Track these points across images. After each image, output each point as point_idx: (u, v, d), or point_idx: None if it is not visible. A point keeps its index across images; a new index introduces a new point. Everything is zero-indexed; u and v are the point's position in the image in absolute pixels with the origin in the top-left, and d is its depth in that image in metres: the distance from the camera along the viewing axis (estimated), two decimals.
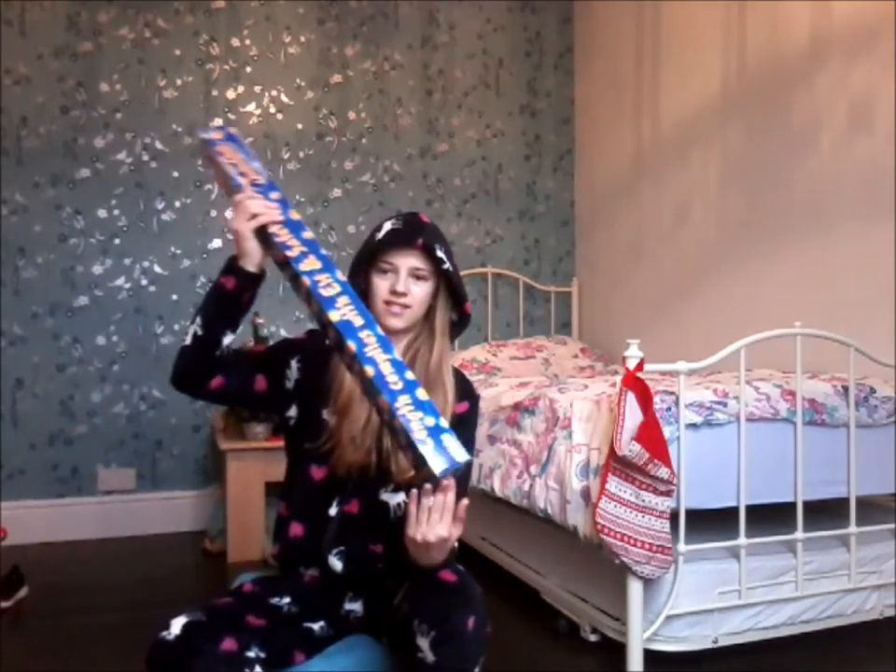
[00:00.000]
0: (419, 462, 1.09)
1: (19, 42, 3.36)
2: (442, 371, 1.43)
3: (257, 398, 1.42)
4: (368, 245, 1.44)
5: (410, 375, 1.15)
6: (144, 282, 3.52)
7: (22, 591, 2.62)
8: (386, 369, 1.14)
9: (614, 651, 2.05)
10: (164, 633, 1.19)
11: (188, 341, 1.32)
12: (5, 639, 2.29)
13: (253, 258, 1.28)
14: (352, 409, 1.37)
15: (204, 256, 3.61)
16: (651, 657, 1.99)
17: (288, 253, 1.22)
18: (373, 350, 1.15)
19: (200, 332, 1.31)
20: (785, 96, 2.89)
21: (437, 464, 1.08)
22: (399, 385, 1.13)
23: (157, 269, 3.54)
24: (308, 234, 1.26)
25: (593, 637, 2.20)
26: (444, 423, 1.12)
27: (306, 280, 1.19)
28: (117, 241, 3.49)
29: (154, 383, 3.52)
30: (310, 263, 1.21)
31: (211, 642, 1.18)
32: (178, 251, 3.57)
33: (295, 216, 1.27)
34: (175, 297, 3.56)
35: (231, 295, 1.30)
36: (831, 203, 2.72)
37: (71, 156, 3.43)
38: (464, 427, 1.43)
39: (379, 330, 1.18)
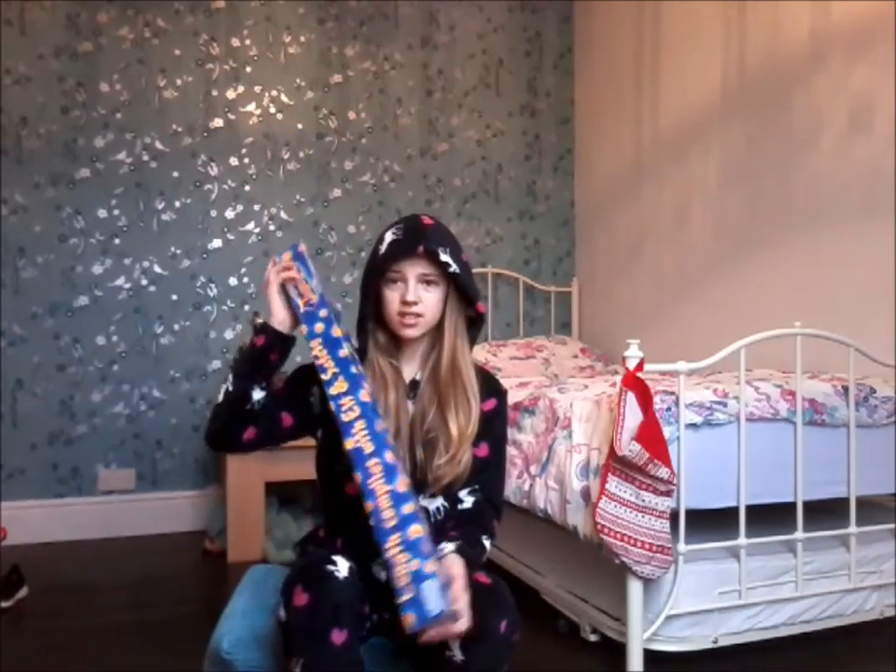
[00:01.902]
0: (399, 610, 1.11)
1: (19, 42, 3.35)
2: (461, 373, 1.42)
3: (288, 433, 1.44)
4: (373, 259, 1.43)
5: (407, 509, 1.18)
6: (144, 282, 3.52)
7: (22, 591, 2.61)
8: (384, 503, 1.18)
9: (614, 651, 2.05)
10: (332, 567, 1.21)
11: (220, 398, 1.40)
12: (5, 639, 2.28)
13: (277, 316, 1.39)
14: None
15: (204, 256, 3.61)
16: (650, 657, 1.99)
17: (323, 376, 1.32)
18: (376, 481, 1.20)
19: (230, 388, 1.39)
20: (785, 96, 2.89)
21: (409, 621, 1.10)
22: (393, 522, 1.16)
23: (157, 269, 3.54)
24: (344, 352, 1.34)
25: (593, 637, 2.20)
26: (429, 567, 1.13)
27: (332, 405, 1.29)
28: (117, 241, 3.49)
29: (154, 383, 3.52)
30: (338, 386, 1.30)
31: (362, 598, 1.26)
32: (178, 251, 3.57)
33: (337, 332, 1.36)
34: (174, 297, 3.56)
35: (260, 351, 1.38)
36: (831, 203, 2.72)
37: (71, 156, 3.43)
38: (491, 424, 1.44)
39: (387, 457, 1.23)
